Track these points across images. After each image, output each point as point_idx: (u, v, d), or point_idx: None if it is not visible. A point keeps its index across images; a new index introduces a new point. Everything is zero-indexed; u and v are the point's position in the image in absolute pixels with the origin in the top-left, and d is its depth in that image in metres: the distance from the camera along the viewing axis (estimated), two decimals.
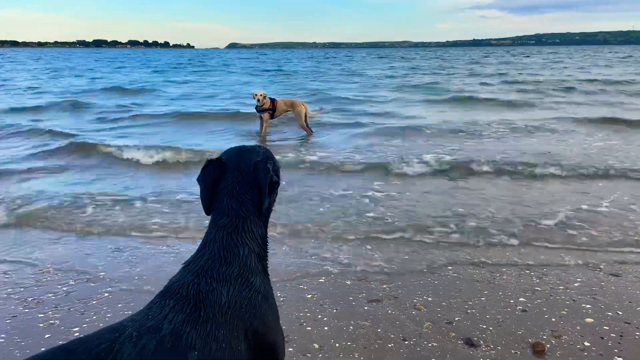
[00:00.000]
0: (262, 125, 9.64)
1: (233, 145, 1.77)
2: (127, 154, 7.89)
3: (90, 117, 12.87)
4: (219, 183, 1.62)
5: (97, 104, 15.06)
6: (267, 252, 1.64)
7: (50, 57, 69.69)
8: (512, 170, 6.67)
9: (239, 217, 1.56)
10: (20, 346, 2.79)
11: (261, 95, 9.27)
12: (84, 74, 30.67)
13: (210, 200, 1.61)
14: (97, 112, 13.65)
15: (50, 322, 3.05)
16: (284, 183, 5.42)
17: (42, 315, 3.14)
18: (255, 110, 9.62)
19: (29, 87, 21.02)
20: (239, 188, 1.59)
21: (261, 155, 1.67)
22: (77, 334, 2.89)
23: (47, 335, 2.90)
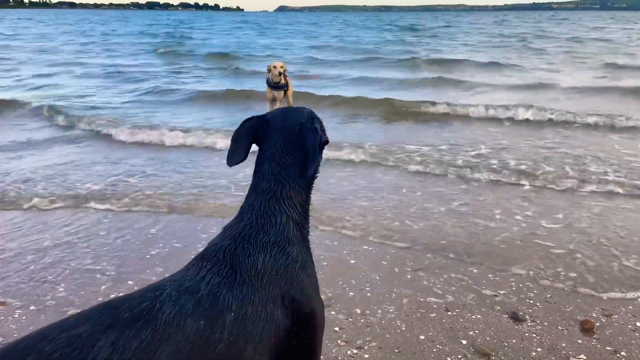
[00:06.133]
0: (276, 104, 7.36)
1: None
2: None
3: None
4: (263, 143, 1.58)
5: None
6: (308, 218, 1.57)
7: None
8: None
9: (278, 182, 1.51)
10: (79, 295, 2.97)
11: (282, 67, 7.24)
12: None
13: (234, 152, 1.57)
14: None
15: (107, 274, 3.23)
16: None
17: (99, 267, 3.31)
18: (268, 86, 7.42)
19: None
20: (282, 150, 1.54)
21: (306, 116, 1.61)
22: (134, 287, 3.05)
23: (103, 287, 3.06)
